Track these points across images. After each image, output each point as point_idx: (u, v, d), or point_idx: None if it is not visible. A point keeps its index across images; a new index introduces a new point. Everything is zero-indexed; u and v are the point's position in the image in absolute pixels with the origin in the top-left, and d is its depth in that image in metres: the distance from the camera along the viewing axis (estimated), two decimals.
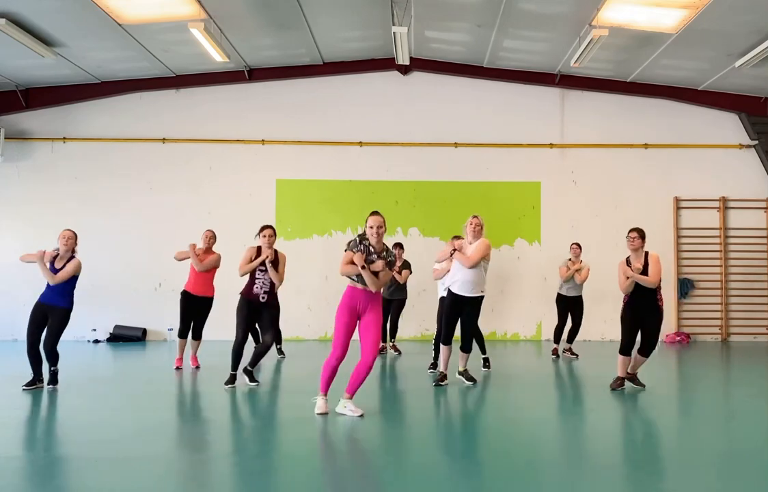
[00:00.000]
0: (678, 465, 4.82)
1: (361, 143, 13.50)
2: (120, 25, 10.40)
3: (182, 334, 9.05)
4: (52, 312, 7.39)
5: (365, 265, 5.84)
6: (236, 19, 10.70)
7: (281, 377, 8.78)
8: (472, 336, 7.62)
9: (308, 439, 5.40)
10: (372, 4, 10.64)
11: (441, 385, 7.59)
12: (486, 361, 8.85)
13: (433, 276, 8.64)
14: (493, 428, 5.98)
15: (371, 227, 5.98)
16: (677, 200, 13.46)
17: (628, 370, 7.45)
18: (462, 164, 13.44)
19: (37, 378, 7.44)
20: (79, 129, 13.36)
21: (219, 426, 6.00)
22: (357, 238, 6.01)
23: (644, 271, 7.18)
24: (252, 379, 7.70)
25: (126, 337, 12.67)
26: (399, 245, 10.72)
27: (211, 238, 9.15)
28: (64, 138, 13.33)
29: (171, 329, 13.12)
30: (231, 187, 13.31)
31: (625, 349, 7.37)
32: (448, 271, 8.10)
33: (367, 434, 5.57)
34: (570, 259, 10.52)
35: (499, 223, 12.75)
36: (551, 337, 13.04)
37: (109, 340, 12.84)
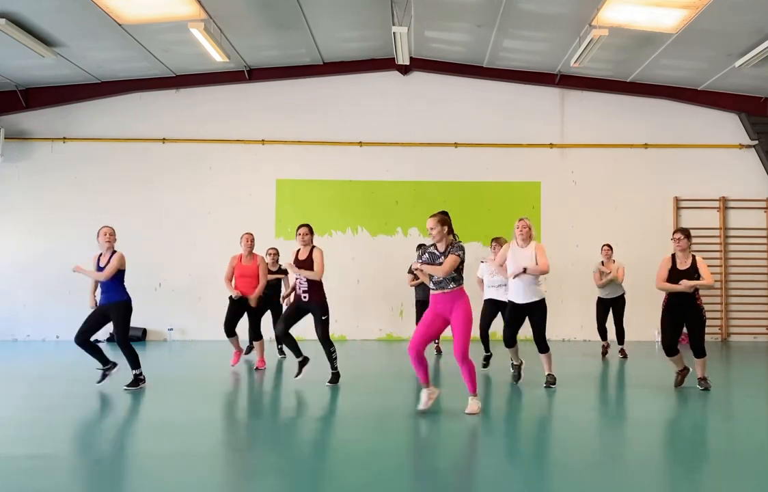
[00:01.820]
0: (677, 464, 4.82)
1: (361, 143, 13.51)
2: (120, 25, 10.40)
3: (228, 333, 8.93)
4: (111, 310, 7.37)
5: (418, 268, 6.07)
6: (236, 19, 10.70)
7: (282, 377, 8.78)
8: (543, 338, 7.57)
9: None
10: (372, 4, 10.64)
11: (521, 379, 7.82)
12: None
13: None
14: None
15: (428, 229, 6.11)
16: (677, 200, 13.46)
17: (698, 375, 7.43)
18: (462, 164, 13.45)
19: (104, 366, 7.39)
20: (79, 129, 13.37)
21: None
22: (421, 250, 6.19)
23: (690, 272, 7.14)
24: (300, 367, 7.72)
25: None
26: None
27: (252, 240, 9.03)
28: (64, 138, 13.33)
29: (171, 329, 13.12)
30: (231, 187, 13.31)
31: (668, 350, 7.35)
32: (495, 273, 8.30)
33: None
34: (602, 262, 10.47)
35: (499, 223, 12.72)
36: (551, 336, 13.05)
37: (109, 340, 12.80)
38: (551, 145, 13.56)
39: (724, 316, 13.37)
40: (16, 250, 13.07)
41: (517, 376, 7.88)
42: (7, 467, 4.54)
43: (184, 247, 13.08)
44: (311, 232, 7.80)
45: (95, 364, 7.65)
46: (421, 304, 10.72)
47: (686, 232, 7.31)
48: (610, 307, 10.52)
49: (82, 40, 11.03)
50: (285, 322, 7.69)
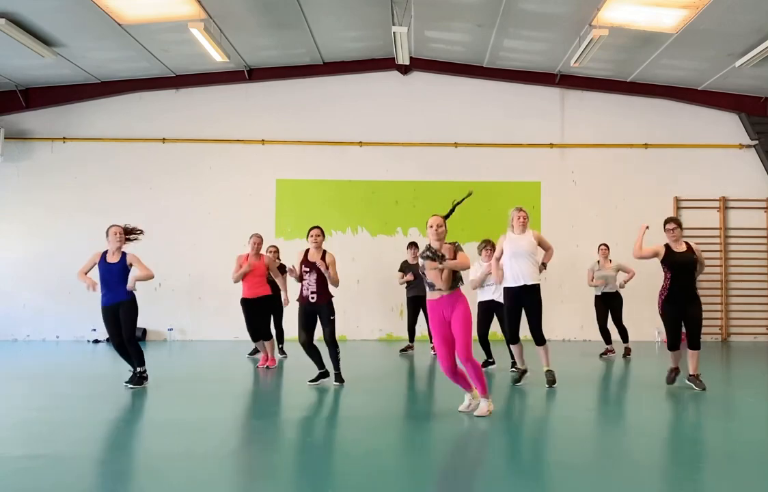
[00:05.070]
0: (678, 464, 4.82)
1: (361, 143, 13.50)
2: (120, 25, 10.40)
3: (254, 337, 9.18)
4: (120, 308, 7.49)
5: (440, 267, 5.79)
6: (236, 19, 10.70)
7: (282, 376, 8.78)
8: (540, 327, 7.55)
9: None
10: (372, 4, 10.64)
11: (522, 382, 7.72)
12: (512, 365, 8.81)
13: (471, 286, 8.60)
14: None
15: (430, 226, 5.93)
16: (677, 200, 13.46)
17: (690, 372, 7.40)
18: (462, 164, 13.44)
19: (141, 368, 7.52)
20: (79, 129, 13.36)
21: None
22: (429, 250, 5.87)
23: (688, 255, 7.27)
24: (340, 379, 7.69)
25: None
26: (413, 244, 10.81)
27: (261, 242, 9.37)
28: (64, 138, 13.33)
29: (171, 329, 13.12)
30: (231, 187, 13.31)
31: (673, 345, 7.37)
32: (488, 274, 8.31)
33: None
34: (598, 262, 10.67)
35: (499, 223, 12.70)
36: (551, 337, 13.07)
37: (108, 340, 12.82)
38: (551, 145, 13.56)
39: (724, 316, 13.36)
40: (16, 250, 13.06)
41: (517, 379, 7.80)
42: (7, 467, 4.54)
43: (184, 247, 13.08)
44: (323, 234, 7.87)
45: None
46: (414, 301, 10.75)
47: (679, 222, 7.46)
48: (609, 305, 10.52)
49: (82, 40, 11.03)
50: (306, 332, 7.61)
